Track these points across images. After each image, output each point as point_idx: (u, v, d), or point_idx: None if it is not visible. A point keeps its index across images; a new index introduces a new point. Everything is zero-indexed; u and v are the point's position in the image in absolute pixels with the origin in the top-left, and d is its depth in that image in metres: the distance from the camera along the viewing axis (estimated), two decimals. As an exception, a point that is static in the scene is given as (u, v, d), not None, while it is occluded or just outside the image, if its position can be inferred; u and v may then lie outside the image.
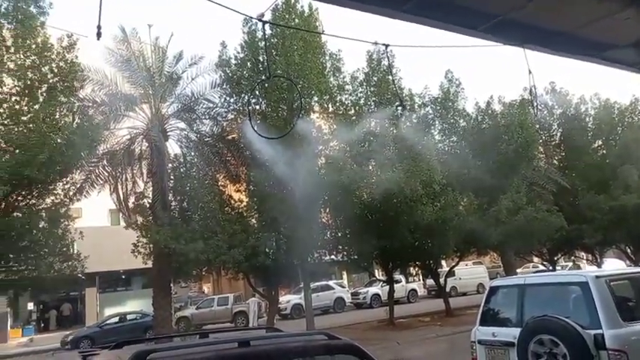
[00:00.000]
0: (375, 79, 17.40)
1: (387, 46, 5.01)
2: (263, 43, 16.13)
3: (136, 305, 27.51)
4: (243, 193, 17.76)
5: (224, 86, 16.78)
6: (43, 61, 12.78)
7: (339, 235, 18.11)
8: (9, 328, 26.43)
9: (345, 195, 15.35)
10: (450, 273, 23.51)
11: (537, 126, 22.33)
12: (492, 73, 72.55)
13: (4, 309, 25.95)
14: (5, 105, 12.68)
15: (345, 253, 19.21)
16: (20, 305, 28.21)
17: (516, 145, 19.36)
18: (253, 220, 17.07)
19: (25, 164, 11.66)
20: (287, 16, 16.13)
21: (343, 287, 30.06)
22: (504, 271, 23.72)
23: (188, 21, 68.89)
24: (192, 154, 17.11)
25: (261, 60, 16.36)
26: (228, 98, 16.99)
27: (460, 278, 29.31)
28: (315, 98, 16.79)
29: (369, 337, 15.22)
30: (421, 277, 33.08)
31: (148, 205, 16.19)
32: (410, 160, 16.09)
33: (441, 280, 21.84)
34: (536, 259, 30.08)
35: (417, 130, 17.54)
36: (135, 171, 16.81)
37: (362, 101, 17.51)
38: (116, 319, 22.78)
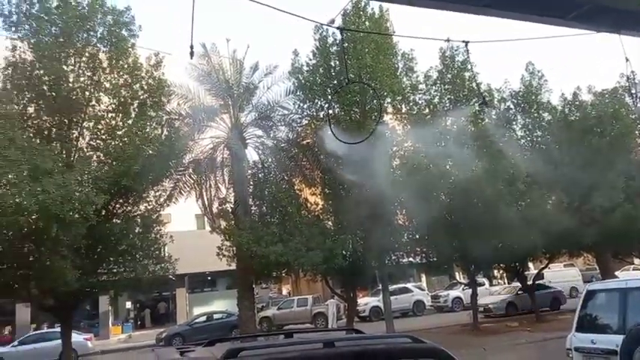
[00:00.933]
0: (450, 76, 16.93)
1: (466, 43, 4.85)
2: (334, 48, 16.36)
3: (221, 305, 28.82)
4: (319, 196, 18.02)
5: (297, 93, 17.19)
6: (134, 80, 13.85)
7: (417, 236, 17.77)
8: (110, 325, 28.87)
9: (422, 196, 15.06)
10: (539, 276, 22.14)
11: (635, 115, 20.41)
12: (579, 63, 67.51)
13: (106, 307, 28.41)
14: (103, 121, 13.88)
15: (423, 255, 18.81)
16: (119, 304, 30.74)
17: (610, 138, 17.83)
18: (329, 223, 17.25)
19: (122, 175, 12.67)
20: (357, 20, 16.19)
21: (422, 290, 29.38)
22: (601, 274, 21.90)
23: (262, 31, 71.40)
24: (269, 159, 17.67)
25: (333, 65, 16.58)
26: (301, 104, 17.38)
27: (550, 281, 27.47)
28: (388, 99, 16.66)
29: (452, 341, 14.74)
30: (506, 280, 31.49)
31: (230, 210, 16.98)
32: (490, 158, 15.41)
33: (529, 284, 20.63)
34: (637, 261, 27.44)
35: (498, 127, 16.77)
36: (218, 178, 17.70)
37: (436, 100, 17.10)
38: (204, 318, 24.04)
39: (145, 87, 13.91)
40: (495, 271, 24.83)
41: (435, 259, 18.72)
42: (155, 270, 14.86)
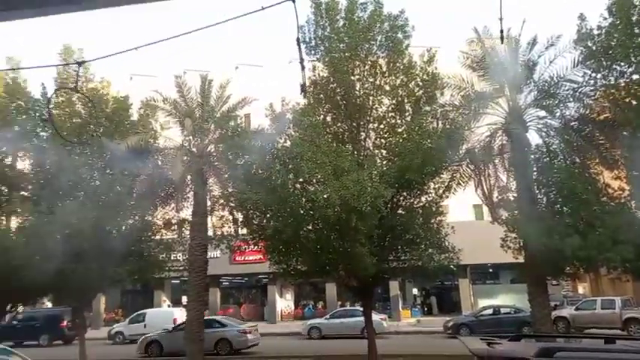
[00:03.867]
0: None
1: None
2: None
3: (506, 299, 27.66)
4: (624, 179, 15.11)
5: (587, 62, 14.81)
6: (410, 78, 14.61)
7: None
8: (400, 308, 31.38)
9: None
10: None
11: None
12: None
13: (396, 292, 31.01)
14: (384, 122, 15.19)
15: None
16: (407, 290, 33.13)
17: None
18: (641, 211, 14.24)
19: (405, 169, 13.54)
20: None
21: None
22: None
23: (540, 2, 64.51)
24: (556, 141, 15.83)
25: (634, 20, 13.58)
26: (593, 74, 14.86)
27: None
28: None
29: None
30: None
31: (512, 199, 16.02)
32: None
33: None
34: None
35: None
36: (497, 166, 16.95)
37: None
38: (490, 311, 23.55)
39: (420, 83, 14.49)
40: None
41: None
42: (440, 259, 15.25)
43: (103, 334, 27.89)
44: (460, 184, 17.21)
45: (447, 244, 15.55)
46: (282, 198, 13.57)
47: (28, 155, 17.77)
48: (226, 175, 16.51)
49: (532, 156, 15.75)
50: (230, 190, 16.07)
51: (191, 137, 17.90)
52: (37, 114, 17.66)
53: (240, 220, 16.16)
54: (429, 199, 15.68)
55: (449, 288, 33.75)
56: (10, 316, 24.33)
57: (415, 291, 33.67)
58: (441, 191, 16.00)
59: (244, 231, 16.79)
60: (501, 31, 3.61)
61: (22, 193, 17.02)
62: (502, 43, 3.30)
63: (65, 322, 26.25)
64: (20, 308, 23.22)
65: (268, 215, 14.67)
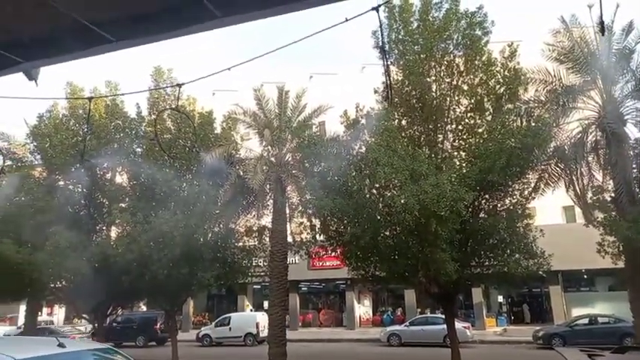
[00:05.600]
0: None
1: None
2: None
3: (603, 308, 25.58)
4: None
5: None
6: (489, 76, 14.00)
7: None
8: (484, 317, 29.92)
9: None
10: None
11: None
12: None
13: (479, 299, 29.65)
14: (463, 122, 14.68)
15: None
16: (492, 297, 31.56)
17: None
18: None
19: (487, 171, 12.95)
20: None
21: None
22: None
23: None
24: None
25: None
26: None
27: None
28: None
29: None
30: None
31: (609, 199, 14.77)
32: None
33: None
34: None
35: None
36: (590, 164, 15.71)
37: None
38: (586, 320, 21.95)
39: (501, 80, 13.86)
40: None
41: None
42: (528, 265, 14.39)
43: (192, 336, 29.47)
44: (549, 184, 16.21)
45: (535, 248, 14.63)
46: (359, 204, 13.55)
47: (125, 170, 19.44)
48: (304, 183, 16.85)
49: (631, 151, 14.46)
50: (308, 197, 16.37)
51: (270, 147, 18.51)
52: (134, 132, 19.40)
53: (318, 226, 16.37)
54: (513, 201, 14.93)
55: (537, 295, 31.74)
56: (111, 319, 26.40)
57: (500, 298, 31.98)
58: (527, 193, 15.16)
59: (322, 237, 17.01)
60: (601, 21, 3.29)
61: (121, 205, 18.53)
62: (602, 34, 2.97)
63: (159, 325, 28.08)
64: (120, 311, 25.12)
65: (345, 221, 14.71)
